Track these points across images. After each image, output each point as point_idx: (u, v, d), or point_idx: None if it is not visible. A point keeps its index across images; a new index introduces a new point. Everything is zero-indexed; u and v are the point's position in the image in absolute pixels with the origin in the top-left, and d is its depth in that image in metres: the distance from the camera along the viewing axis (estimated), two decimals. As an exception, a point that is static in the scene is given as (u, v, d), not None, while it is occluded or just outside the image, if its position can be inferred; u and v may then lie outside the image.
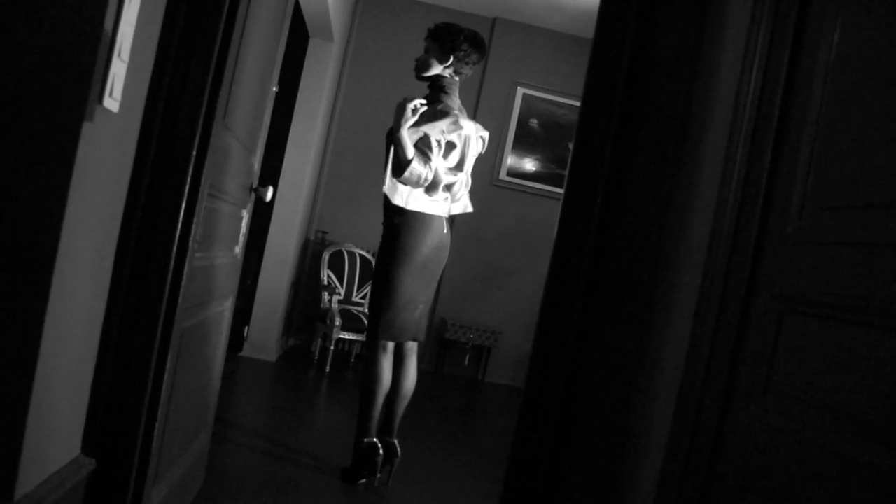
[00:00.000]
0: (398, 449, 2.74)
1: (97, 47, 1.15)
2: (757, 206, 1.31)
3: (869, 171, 1.05)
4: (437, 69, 2.69)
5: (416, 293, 2.67)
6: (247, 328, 4.72)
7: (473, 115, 5.48)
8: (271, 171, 4.77)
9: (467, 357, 5.44)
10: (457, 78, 2.71)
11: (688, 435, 1.35)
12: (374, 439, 2.68)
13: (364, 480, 2.67)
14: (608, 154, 1.62)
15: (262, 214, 4.67)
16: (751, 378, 1.25)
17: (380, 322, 2.63)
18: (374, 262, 4.86)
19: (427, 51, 2.71)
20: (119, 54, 1.22)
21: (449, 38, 2.66)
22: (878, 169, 1.03)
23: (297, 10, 4.16)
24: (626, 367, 1.60)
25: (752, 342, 1.26)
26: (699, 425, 1.33)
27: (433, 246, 2.65)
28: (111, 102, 1.22)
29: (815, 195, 1.17)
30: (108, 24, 1.17)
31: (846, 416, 1.01)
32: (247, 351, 4.68)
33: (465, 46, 2.66)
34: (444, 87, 2.68)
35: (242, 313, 4.75)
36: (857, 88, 1.12)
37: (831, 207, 1.13)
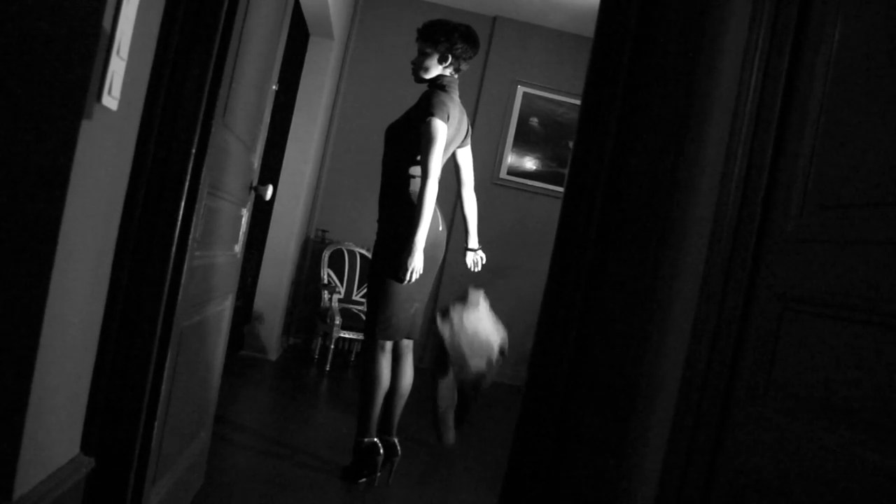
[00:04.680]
0: (398, 447, 2.74)
1: (96, 45, 1.14)
2: (757, 205, 1.30)
3: (869, 170, 1.05)
4: (437, 70, 2.68)
5: (413, 292, 2.67)
6: (247, 327, 4.72)
7: (474, 114, 5.47)
8: (271, 170, 4.76)
9: (467, 356, 5.42)
10: (456, 76, 2.70)
11: (689, 434, 1.34)
12: (375, 439, 2.67)
13: (364, 479, 2.67)
14: (608, 152, 1.61)
15: (263, 213, 4.67)
16: (752, 377, 1.24)
17: (377, 321, 2.63)
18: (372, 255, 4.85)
19: (421, 52, 2.69)
20: (118, 52, 1.21)
21: (445, 38, 2.64)
22: (878, 167, 1.03)
23: (297, 8, 4.15)
24: (627, 366, 1.60)
25: (753, 341, 1.26)
26: (700, 424, 1.33)
27: (429, 244, 2.64)
28: (110, 100, 1.22)
29: (815, 193, 1.17)
30: (107, 22, 1.16)
31: (847, 415, 1.00)
32: (247, 350, 4.68)
33: (461, 44, 2.65)
34: (444, 86, 2.67)
35: (243, 312, 4.75)
36: (857, 86, 1.12)
37: (832, 206, 1.12)
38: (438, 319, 2.88)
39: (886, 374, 0.94)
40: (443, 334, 2.84)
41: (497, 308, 5.44)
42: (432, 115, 2.54)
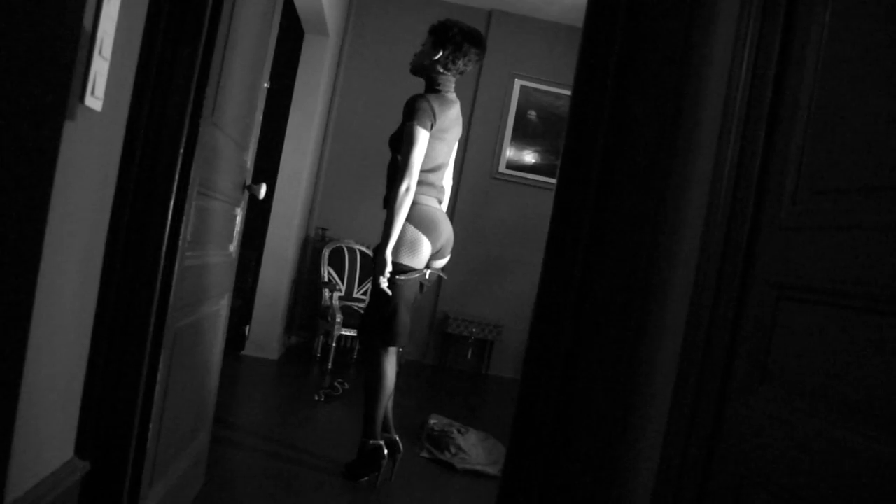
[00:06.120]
0: (400, 444, 2.74)
1: (77, 45, 1.13)
2: (750, 192, 1.29)
3: (862, 155, 1.03)
4: (438, 72, 2.66)
5: (415, 293, 2.68)
6: (248, 326, 4.72)
7: (471, 109, 5.45)
8: (269, 169, 4.75)
9: (470, 351, 5.43)
10: (449, 73, 2.67)
11: (685, 426, 1.33)
12: (381, 441, 2.67)
13: (366, 479, 2.67)
14: (601, 144, 1.60)
15: (261, 212, 4.66)
16: (748, 367, 1.23)
17: (386, 329, 2.61)
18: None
19: (426, 51, 2.67)
20: (100, 51, 1.20)
21: (442, 33, 2.63)
22: (871, 152, 1.01)
23: (291, 6, 4.14)
24: (623, 358, 1.58)
25: (749, 330, 1.25)
26: (696, 416, 1.31)
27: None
28: (93, 101, 1.21)
29: (808, 179, 1.16)
30: (88, 21, 1.15)
31: (844, 404, 0.99)
32: (248, 349, 4.67)
33: (458, 39, 2.62)
34: (438, 89, 2.65)
35: (243, 312, 4.75)
36: (849, 70, 1.10)
37: (825, 191, 1.11)
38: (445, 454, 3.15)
39: (883, 362, 0.93)
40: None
41: (496, 302, 5.45)
42: (411, 119, 2.53)
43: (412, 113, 2.53)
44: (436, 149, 2.60)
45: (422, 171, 2.57)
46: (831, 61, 1.15)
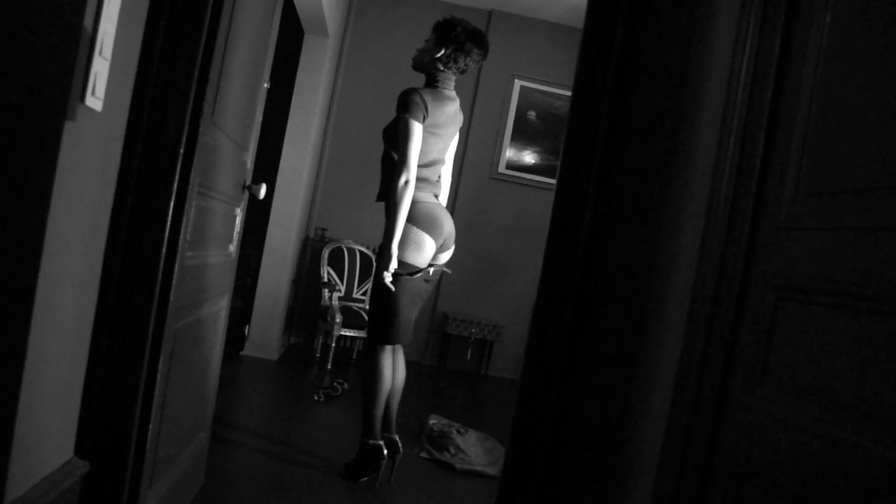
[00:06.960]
0: (399, 444, 2.74)
1: (77, 45, 1.13)
2: (750, 192, 1.29)
3: (862, 156, 1.03)
4: (438, 70, 2.66)
5: (418, 293, 2.67)
6: (248, 326, 4.72)
7: (471, 109, 5.45)
8: (269, 169, 4.76)
9: (469, 351, 5.43)
10: (449, 70, 2.68)
11: (685, 425, 1.33)
12: (380, 441, 2.67)
13: (366, 479, 2.67)
14: (601, 142, 1.60)
15: (261, 212, 4.66)
16: (747, 367, 1.23)
17: (384, 326, 2.61)
18: (374, 260, 4.83)
19: (429, 48, 2.67)
20: (100, 51, 1.20)
21: (445, 31, 2.63)
22: (870, 153, 1.01)
23: (291, 6, 4.14)
24: (623, 358, 1.58)
25: (748, 330, 1.25)
26: (696, 415, 1.31)
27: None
28: (94, 101, 1.21)
29: (808, 180, 1.16)
30: (88, 21, 1.15)
31: (843, 404, 0.99)
32: (248, 350, 4.67)
33: (461, 38, 2.62)
34: (436, 83, 2.65)
35: (243, 312, 4.75)
36: (849, 70, 1.10)
37: (825, 192, 1.11)
38: (445, 455, 3.16)
39: (882, 363, 0.93)
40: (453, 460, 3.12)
41: (496, 303, 5.45)
42: (404, 112, 2.52)
43: (405, 106, 2.53)
44: (429, 143, 2.59)
45: (417, 166, 2.57)
46: (831, 61, 1.15)
